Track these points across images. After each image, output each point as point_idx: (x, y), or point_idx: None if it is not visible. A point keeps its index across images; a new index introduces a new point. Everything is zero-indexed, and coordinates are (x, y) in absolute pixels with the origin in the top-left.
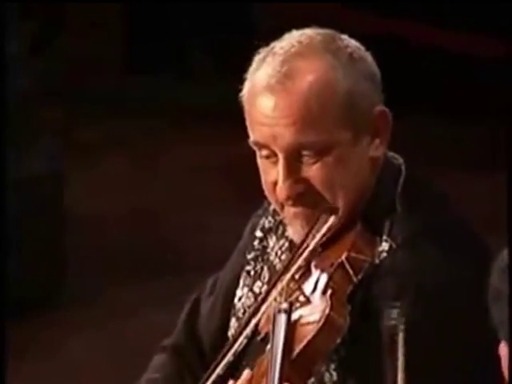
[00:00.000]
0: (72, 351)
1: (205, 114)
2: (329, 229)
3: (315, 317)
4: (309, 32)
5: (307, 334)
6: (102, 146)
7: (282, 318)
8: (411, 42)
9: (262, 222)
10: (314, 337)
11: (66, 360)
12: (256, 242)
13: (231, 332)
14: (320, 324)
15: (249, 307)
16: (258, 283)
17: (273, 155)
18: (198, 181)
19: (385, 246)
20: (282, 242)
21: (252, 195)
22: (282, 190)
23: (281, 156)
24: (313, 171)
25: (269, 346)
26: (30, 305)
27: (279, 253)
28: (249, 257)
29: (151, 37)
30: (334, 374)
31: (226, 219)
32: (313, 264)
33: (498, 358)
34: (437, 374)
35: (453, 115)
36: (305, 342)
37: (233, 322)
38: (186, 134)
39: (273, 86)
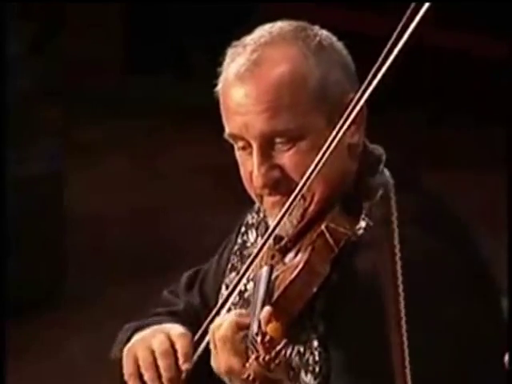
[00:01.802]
0: (72, 351)
1: (205, 114)
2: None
3: (294, 265)
4: (280, 23)
5: (286, 280)
6: (102, 145)
7: (264, 272)
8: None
9: (246, 218)
10: (294, 279)
11: (66, 360)
12: (239, 238)
13: None
14: (300, 266)
15: (234, 305)
16: (245, 280)
17: (248, 146)
18: (197, 181)
19: (362, 223)
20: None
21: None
22: (257, 179)
23: (254, 145)
24: (286, 158)
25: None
26: (30, 305)
27: None
28: (232, 251)
29: (151, 37)
30: (317, 351)
31: (226, 219)
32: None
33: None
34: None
35: (452, 114)
36: (286, 283)
37: None
38: (186, 134)
39: (242, 75)
